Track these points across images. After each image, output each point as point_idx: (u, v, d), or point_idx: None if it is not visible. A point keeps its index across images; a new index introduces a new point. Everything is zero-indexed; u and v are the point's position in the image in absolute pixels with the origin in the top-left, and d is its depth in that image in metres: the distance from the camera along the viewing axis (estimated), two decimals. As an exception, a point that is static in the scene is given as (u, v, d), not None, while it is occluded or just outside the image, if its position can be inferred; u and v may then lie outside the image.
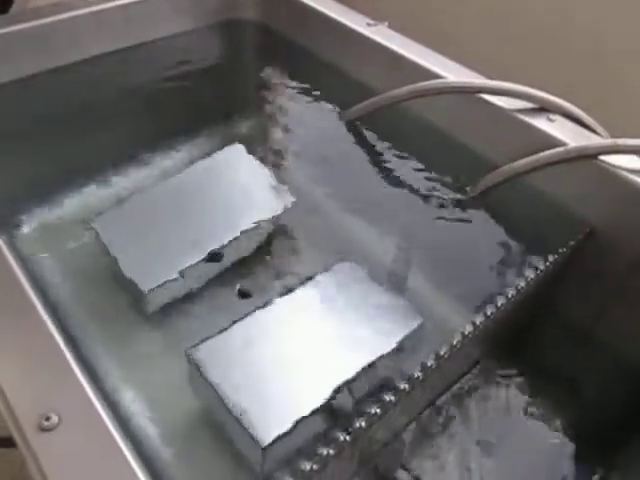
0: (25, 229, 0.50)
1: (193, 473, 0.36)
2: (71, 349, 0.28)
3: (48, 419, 0.24)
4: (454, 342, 0.32)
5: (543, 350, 0.46)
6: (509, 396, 0.44)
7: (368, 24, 0.53)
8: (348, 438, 0.28)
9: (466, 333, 0.33)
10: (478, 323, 0.33)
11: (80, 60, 0.52)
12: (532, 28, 0.69)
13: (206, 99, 0.57)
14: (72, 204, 0.52)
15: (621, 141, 0.39)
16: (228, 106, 0.60)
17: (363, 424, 0.29)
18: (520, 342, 0.46)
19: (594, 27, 0.65)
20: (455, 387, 0.43)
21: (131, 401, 0.39)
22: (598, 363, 0.44)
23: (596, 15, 0.64)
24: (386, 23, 0.52)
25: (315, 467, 0.27)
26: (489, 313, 0.34)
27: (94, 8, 0.52)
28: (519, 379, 0.44)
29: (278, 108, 0.57)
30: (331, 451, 0.27)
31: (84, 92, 0.52)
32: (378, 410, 0.29)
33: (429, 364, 0.31)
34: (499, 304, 0.35)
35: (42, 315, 0.29)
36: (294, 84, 0.57)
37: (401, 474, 0.38)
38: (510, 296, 0.36)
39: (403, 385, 0.30)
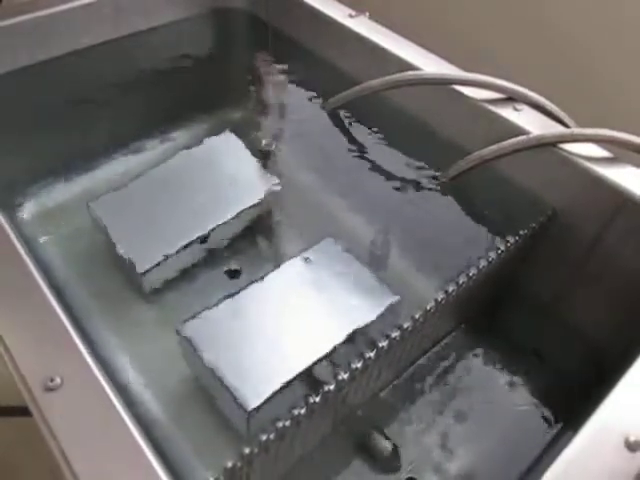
0: (25, 212, 0.53)
1: (185, 432, 0.40)
2: (72, 322, 0.31)
3: (52, 380, 0.28)
4: (416, 316, 0.35)
5: (510, 324, 0.49)
6: (479, 366, 0.46)
7: (350, 15, 0.55)
8: (318, 400, 0.31)
9: (428, 309, 0.36)
10: (440, 299, 0.37)
11: (73, 51, 0.54)
12: (513, 23, 0.71)
13: (196, 87, 0.60)
14: (69, 189, 0.55)
15: (577, 130, 0.41)
16: (217, 94, 0.62)
17: (332, 388, 0.32)
18: (488, 316, 0.49)
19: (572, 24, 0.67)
20: (425, 357, 0.46)
21: (128, 369, 0.42)
22: (559, 335, 0.47)
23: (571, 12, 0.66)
24: (367, 14, 0.55)
25: (287, 424, 0.30)
26: (450, 290, 0.37)
27: (85, 0, 0.54)
28: (488, 351, 0.47)
29: (264, 96, 0.59)
30: (302, 411, 0.31)
31: (78, 82, 0.54)
32: (346, 376, 0.33)
33: (393, 335, 0.35)
34: (461, 282, 0.38)
35: (46, 292, 0.32)
36: (280, 73, 0.59)
37: (377, 438, 0.41)
38: (472, 275, 0.38)
39: (369, 354, 0.34)
